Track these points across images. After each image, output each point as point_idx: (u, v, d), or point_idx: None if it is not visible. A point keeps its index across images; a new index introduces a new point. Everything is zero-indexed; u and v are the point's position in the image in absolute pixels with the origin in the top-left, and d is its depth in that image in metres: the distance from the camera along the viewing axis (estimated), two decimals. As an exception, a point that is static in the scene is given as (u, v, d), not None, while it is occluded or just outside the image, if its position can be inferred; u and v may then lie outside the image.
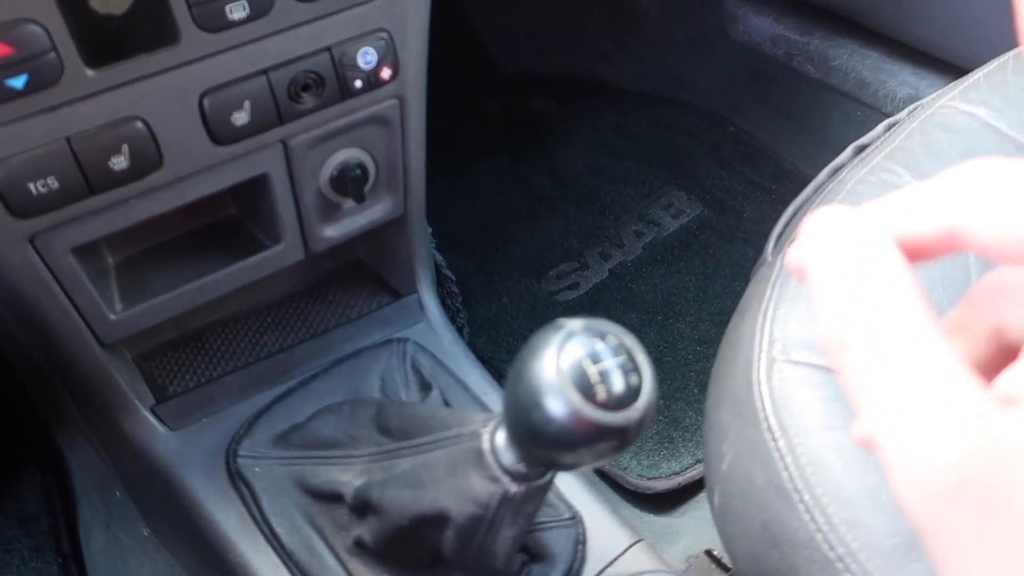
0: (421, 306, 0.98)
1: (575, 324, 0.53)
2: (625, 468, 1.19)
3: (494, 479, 0.62)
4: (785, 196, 1.66)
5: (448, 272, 1.12)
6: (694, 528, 1.16)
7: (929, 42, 1.49)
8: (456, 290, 1.15)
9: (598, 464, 0.55)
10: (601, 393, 0.50)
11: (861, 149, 0.92)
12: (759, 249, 1.57)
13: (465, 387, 0.90)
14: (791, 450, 0.63)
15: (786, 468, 0.63)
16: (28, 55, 0.61)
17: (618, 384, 0.51)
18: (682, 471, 1.20)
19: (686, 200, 1.65)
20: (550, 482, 0.64)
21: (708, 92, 1.83)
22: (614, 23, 1.88)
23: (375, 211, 0.89)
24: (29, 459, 1.32)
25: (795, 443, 0.63)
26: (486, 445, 0.63)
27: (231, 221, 0.91)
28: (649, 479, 1.18)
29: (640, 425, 0.52)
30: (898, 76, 1.60)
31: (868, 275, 0.25)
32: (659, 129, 1.79)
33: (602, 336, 0.52)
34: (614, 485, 1.19)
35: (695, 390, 1.32)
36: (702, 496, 1.20)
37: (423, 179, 0.91)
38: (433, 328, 0.97)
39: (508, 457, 0.61)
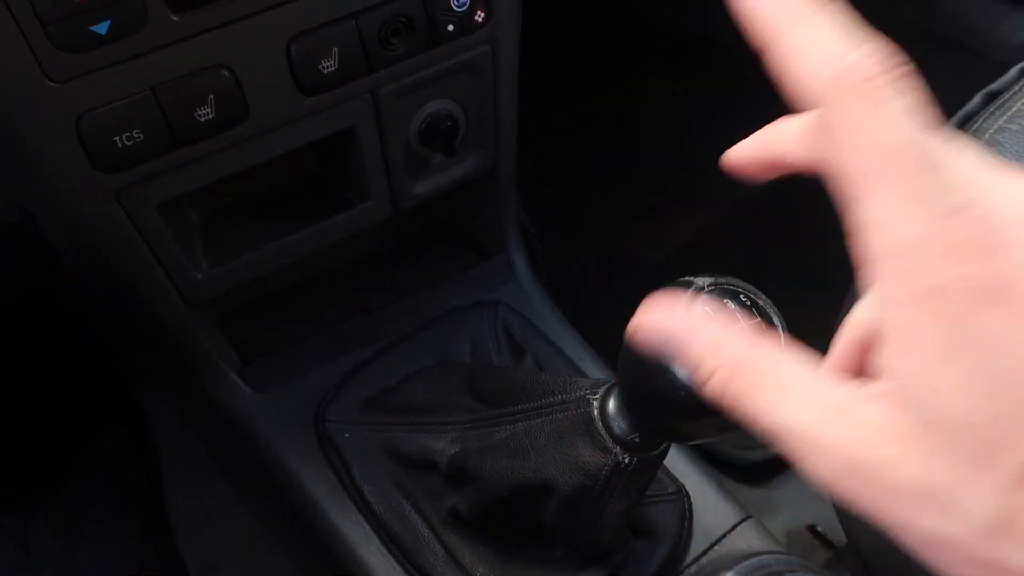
0: (511, 266, 0.94)
1: (703, 281, 0.48)
2: (717, 436, 1.14)
3: (604, 449, 0.58)
4: (883, 151, 1.57)
5: (531, 227, 1.07)
6: (793, 501, 1.10)
7: (1050, -19, 1.38)
8: (539, 246, 1.11)
9: (718, 437, 0.50)
10: None
11: (993, 96, 0.84)
12: (855, 207, 1.48)
13: (560, 351, 0.86)
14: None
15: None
16: None
17: None
18: (777, 440, 1.14)
19: (778, 156, 1.57)
20: (664, 454, 0.59)
21: (799, 40, 1.73)
22: (699, -32, 1.79)
23: (465, 165, 0.85)
24: (113, 415, 1.33)
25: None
26: (596, 413, 0.58)
27: (315, 177, 0.88)
28: (743, 448, 1.13)
29: None
30: (1010, 20, 1.48)
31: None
32: (747, 80, 1.70)
33: (734, 294, 0.47)
34: (706, 456, 1.15)
35: (790, 355, 1.26)
36: (798, 467, 1.14)
37: (514, 132, 0.86)
38: (523, 289, 0.93)
39: (621, 426, 0.57)
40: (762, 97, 1.54)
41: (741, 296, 0.48)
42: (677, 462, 0.79)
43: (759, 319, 0.47)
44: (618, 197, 1.53)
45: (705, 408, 0.46)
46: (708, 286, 0.47)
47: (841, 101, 0.27)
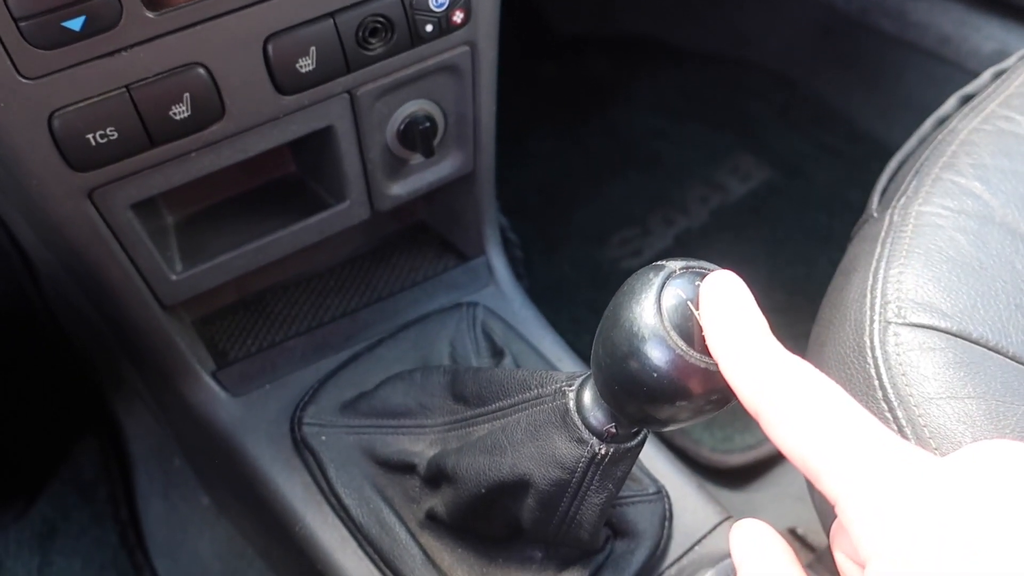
0: (490, 269, 0.94)
1: (675, 264, 0.48)
2: (697, 440, 1.14)
3: (580, 441, 0.57)
4: (860, 159, 1.58)
5: (513, 235, 1.07)
6: (772, 505, 1.10)
7: (1021, -9, 1.40)
8: (520, 254, 1.11)
9: (695, 422, 0.50)
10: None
11: (967, 99, 0.85)
12: (832, 215, 1.50)
13: (539, 353, 0.86)
14: (911, 421, 0.57)
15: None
16: None
17: None
18: (757, 444, 1.14)
19: (754, 164, 1.58)
20: (641, 444, 0.59)
21: (776, 51, 1.75)
22: (676, -20, 1.80)
23: (443, 167, 0.85)
24: (86, 426, 1.31)
25: (916, 414, 0.57)
26: (571, 404, 0.58)
27: (292, 179, 0.87)
28: (723, 452, 1.13)
29: None
30: (983, 30, 1.51)
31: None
32: (724, 90, 1.72)
33: (704, 277, 0.47)
34: (686, 459, 1.14)
35: (768, 361, 1.26)
36: (778, 471, 1.14)
37: (493, 134, 0.86)
38: (503, 292, 0.92)
39: (597, 416, 0.57)
40: (739, 107, 1.57)
41: None
42: (657, 463, 0.79)
43: None
44: (598, 206, 1.53)
45: (679, 390, 0.46)
46: (680, 269, 0.47)
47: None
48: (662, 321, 0.46)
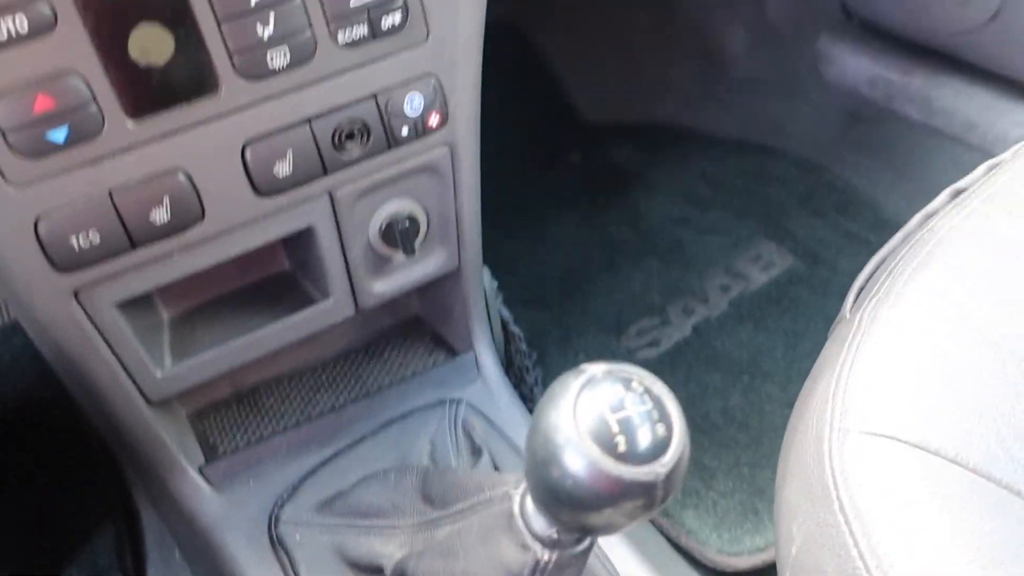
0: (477, 364, 0.94)
1: (597, 369, 0.48)
2: (704, 542, 1.10)
3: (524, 546, 0.56)
4: (885, 247, 1.56)
5: (516, 328, 1.07)
6: (780, 611, 1.05)
7: (1044, 79, 1.38)
8: (525, 348, 1.10)
9: (631, 525, 0.49)
10: (621, 445, 0.45)
11: (958, 193, 0.83)
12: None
13: (519, 452, 0.85)
14: (866, 536, 0.55)
15: (860, 557, 0.55)
16: (69, 107, 0.61)
17: (642, 435, 0.45)
18: (767, 547, 1.10)
19: (776, 252, 1.56)
20: (588, 550, 0.57)
21: (800, 138, 1.74)
22: (701, 68, 1.82)
23: (427, 265, 0.86)
24: (105, 512, 1.33)
25: (871, 528, 0.55)
26: (516, 508, 0.57)
27: (286, 275, 0.90)
28: (730, 555, 1.09)
29: (669, 481, 0.46)
30: (1010, 115, 1.48)
31: None
32: (748, 177, 1.72)
33: (626, 382, 0.47)
34: (691, 560, 1.11)
35: (784, 456, 1.23)
36: None
37: (478, 231, 0.87)
38: (489, 388, 0.92)
39: (539, 522, 0.55)
40: (762, 194, 1.55)
41: (634, 383, 0.47)
42: (629, 561, 0.76)
43: (652, 406, 0.47)
44: (617, 294, 1.53)
45: (599, 498, 0.45)
46: (601, 374, 0.47)
47: None
48: (577, 428, 0.45)
